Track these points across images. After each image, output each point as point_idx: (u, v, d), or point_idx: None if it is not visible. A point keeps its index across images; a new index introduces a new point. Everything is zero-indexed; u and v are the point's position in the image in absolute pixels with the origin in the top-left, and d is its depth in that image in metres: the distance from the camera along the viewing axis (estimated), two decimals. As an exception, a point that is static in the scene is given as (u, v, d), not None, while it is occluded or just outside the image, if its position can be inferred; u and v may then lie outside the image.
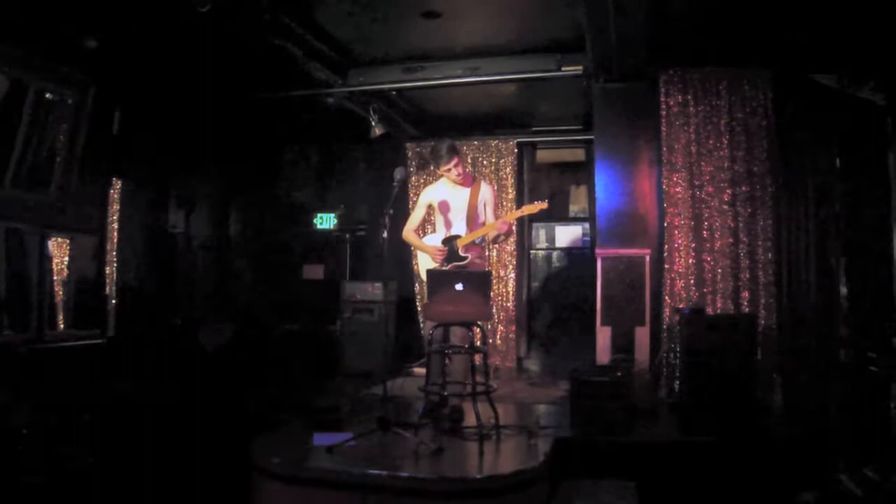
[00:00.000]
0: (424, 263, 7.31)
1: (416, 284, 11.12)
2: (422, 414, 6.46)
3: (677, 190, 8.19)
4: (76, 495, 5.76)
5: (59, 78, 7.17)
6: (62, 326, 7.77)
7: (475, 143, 11.40)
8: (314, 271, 12.03)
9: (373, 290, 10.30)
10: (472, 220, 7.16)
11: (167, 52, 7.89)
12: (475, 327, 6.46)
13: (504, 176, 11.27)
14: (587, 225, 12.10)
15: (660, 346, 8.12)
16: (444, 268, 7.07)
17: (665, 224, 8.23)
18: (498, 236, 7.21)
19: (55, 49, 6.97)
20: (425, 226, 8.48)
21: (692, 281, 8.11)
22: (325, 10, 7.64)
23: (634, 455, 6.16)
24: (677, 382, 7.88)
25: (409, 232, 7.42)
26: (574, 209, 12.93)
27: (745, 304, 7.99)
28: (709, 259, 8.10)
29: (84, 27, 7.14)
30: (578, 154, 12.04)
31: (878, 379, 6.61)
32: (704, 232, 8.12)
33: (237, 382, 8.25)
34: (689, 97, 8.23)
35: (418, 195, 7.79)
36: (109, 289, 8.47)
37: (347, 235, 11.42)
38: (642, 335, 7.98)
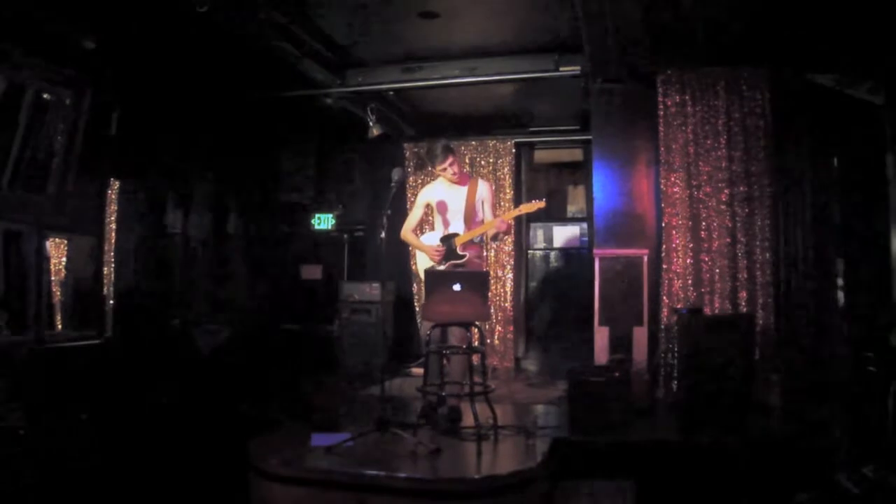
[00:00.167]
0: (423, 263, 7.30)
1: (415, 284, 11.12)
2: (420, 414, 6.47)
3: (675, 190, 8.20)
4: (74, 495, 5.75)
5: (57, 78, 7.16)
6: (60, 327, 7.77)
7: (473, 143, 11.39)
8: (312, 272, 12.02)
9: (371, 291, 10.30)
10: (470, 218, 7.15)
11: (165, 53, 7.89)
12: (473, 327, 6.46)
13: (502, 176, 11.26)
14: (585, 225, 12.10)
15: (658, 346, 8.12)
16: (442, 266, 7.07)
17: (663, 224, 8.23)
18: (497, 234, 7.20)
19: (53, 49, 6.97)
20: (423, 226, 8.48)
21: (690, 281, 8.12)
22: (324, 10, 7.65)
23: (632, 455, 6.15)
24: (675, 382, 7.88)
25: (407, 231, 7.42)
26: (572, 209, 12.95)
27: (743, 303, 7.99)
28: (706, 259, 8.11)
29: (82, 28, 7.14)
30: (576, 154, 12.06)
31: (877, 378, 6.61)
32: (702, 232, 8.13)
33: (235, 383, 8.26)
34: (687, 97, 8.24)
35: (416, 195, 7.78)
36: (107, 289, 8.46)
37: (345, 236, 11.42)
38: (640, 335, 7.98)
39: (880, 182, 7.58)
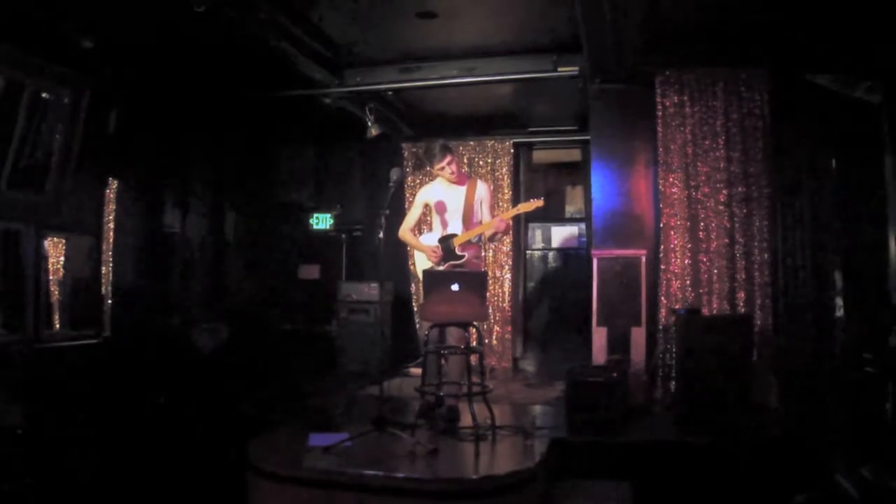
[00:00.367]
0: (421, 263, 7.31)
1: (413, 285, 11.12)
2: (418, 414, 6.48)
3: (673, 190, 8.20)
4: (73, 496, 5.75)
5: (56, 78, 7.16)
6: (58, 326, 7.77)
7: (471, 143, 11.39)
8: (310, 271, 12.02)
9: (369, 291, 10.30)
10: (469, 218, 7.16)
11: (164, 52, 7.90)
12: (471, 328, 6.47)
13: (500, 176, 11.26)
14: (583, 225, 12.08)
15: (656, 346, 8.12)
16: (440, 267, 7.08)
17: (661, 225, 8.23)
18: (495, 234, 7.20)
19: (51, 49, 6.97)
20: (421, 226, 8.49)
21: (688, 281, 8.12)
22: (322, 10, 7.64)
23: (630, 455, 6.17)
24: (673, 383, 7.88)
25: (405, 231, 7.42)
26: (570, 210, 12.94)
27: (741, 304, 7.99)
28: (705, 260, 8.11)
29: (80, 27, 7.14)
30: (574, 154, 12.05)
31: (874, 379, 6.62)
32: (700, 232, 8.13)
33: (233, 383, 8.26)
34: (686, 98, 8.24)
35: (414, 195, 7.78)
36: (105, 289, 8.46)
37: (343, 235, 11.41)
38: (638, 336, 7.98)
39: (878, 183, 7.58)
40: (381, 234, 6.54)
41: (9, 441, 5.89)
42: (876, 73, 7.46)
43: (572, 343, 10.43)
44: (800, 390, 7.43)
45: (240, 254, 11.76)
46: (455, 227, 7.17)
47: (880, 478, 5.28)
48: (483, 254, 10.63)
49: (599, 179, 8.63)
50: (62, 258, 7.83)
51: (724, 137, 8.10)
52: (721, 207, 8.07)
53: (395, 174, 7.02)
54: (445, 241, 7.13)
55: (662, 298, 8.17)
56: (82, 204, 8.05)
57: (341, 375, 9.76)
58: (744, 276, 8.01)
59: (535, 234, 12.59)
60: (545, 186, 12.96)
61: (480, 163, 11.33)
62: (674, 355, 7.86)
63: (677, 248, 8.15)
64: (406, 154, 11.65)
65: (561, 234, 12.59)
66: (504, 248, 11.08)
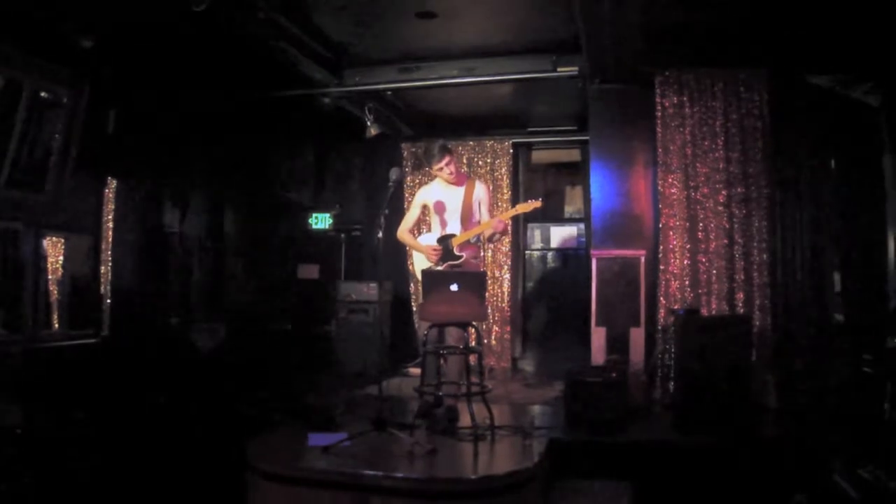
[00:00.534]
0: (419, 263, 7.31)
1: (412, 284, 11.12)
2: (417, 414, 6.48)
3: (672, 191, 8.20)
4: (71, 496, 5.75)
5: (54, 77, 7.15)
6: (57, 326, 7.76)
7: (471, 143, 11.40)
8: (309, 271, 12.01)
9: (368, 291, 10.29)
10: (467, 219, 7.15)
11: (163, 52, 7.89)
12: (470, 328, 6.46)
13: (499, 176, 11.26)
14: (582, 226, 12.11)
15: (654, 346, 8.12)
16: (438, 267, 7.07)
17: (660, 225, 8.24)
18: (493, 235, 7.20)
19: (50, 48, 6.97)
20: (420, 226, 8.48)
21: (687, 282, 8.12)
22: (321, 9, 7.64)
23: (629, 455, 6.17)
24: (672, 383, 7.88)
25: (403, 231, 7.42)
26: (569, 210, 12.96)
27: (740, 305, 7.99)
28: (704, 260, 8.11)
29: (79, 26, 7.14)
30: (574, 155, 12.06)
31: (873, 380, 6.62)
32: (699, 233, 8.13)
33: (232, 382, 8.26)
34: (685, 98, 8.24)
35: (413, 195, 7.79)
36: (104, 288, 8.46)
37: (342, 235, 11.41)
38: (637, 336, 7.98)
39: (877, 183, 7.59)
40: (380, 234, 6.54)
41: (7, 441, 5.89)
42: (875, 75, 7.47)
43: (571, 343, 10.45)
44: (799, 391, 7.44)
45: (239, 253, 11.76)
46: (454, 227, 7.17)
47: (879, 478, 5.28)
48: (481, 254, 10.64)
49: (599, 180, 8.63)
50: (61, 258, 7.83)
51: (723, 138, 8.11)
52: (720, 208, 8.07)
53: (394, 174, 7.03)
54: (444, 240, 7.13)
55: (661, 299, 8.17)
56: (81, 203, 8.04)
57: (340, 375, 9.76)
58: (743, 277, 8.01)
59: (535, 235, 12.62)
60: (544, 187, 12.98)
61: (480, 163, 11.34)
62: (672, 355, 7.86)
63: (676, 249, 8.16)
64: (405, 154, 11.66)
65: (560, 234, 12.61)
66: (503, 248, 11.08)
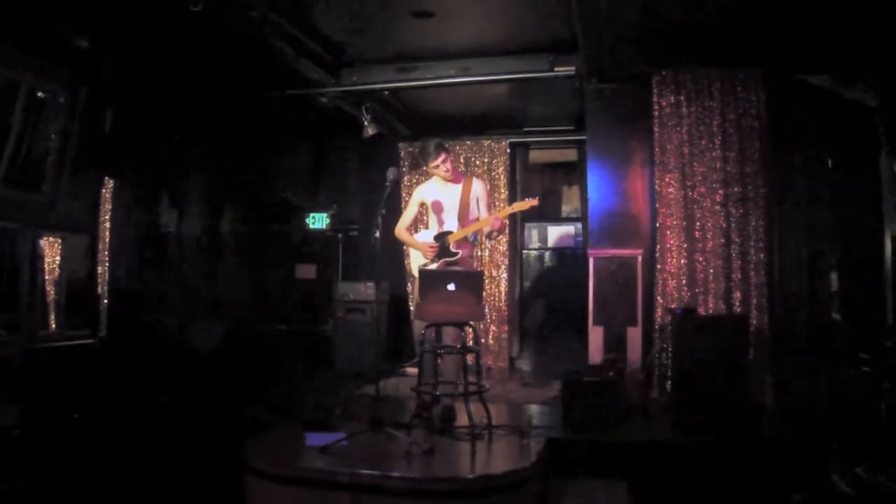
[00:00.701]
0: (416, 261, 7.30)
1: (409, 284, 11.12)
2: (414, 414, 6.47)
3: (669, 190, 8.21)
4: (69, 496, 5.75)
5: (51, 77, 7.15)
6: (54, 326, 7.75)
7: (468, 142, 11.40)
8: (307, 271, 12.02)
9: (365, 290, 10.29)
10: (464, 216, 7.14)
11: (160, 52, 7.88)
12: (467, 327, 6.46)
13: (496, 176, 11.27)
14: (579, 225, 12.12)
15: (652, 346, 8.13)
16: (435, 264, 7.07)
17: (657, 224, 8.25)
18: (491, 232, 7.19)
19: (47, 48, 6.96)
20: (418, 225, 8.49)
21: (684, 281, 8.13)
22: (318, 9, 7.63)
23: (626, 455, 6.17)
24: (669, 382, 7.90)
25: (401, 229, 7.42)
26: (566, 209, 12.97)
27: (737, 304, 8.00)
28: (701, 259, 8.12)
29: (76, 26, 7.13)
30: (571, 154, 12.07)
31: (870, 379, 6.63)
32: (696, 232, 8.14)
33: (230, 382, 8.25)
34: (682, 98, 8.25)
35: (411, 195, 7.79)
36: (101, 288, 8.44)
37: (340, 235, 11.42)
38: (634, 335, 8.00)
39: (874, 183, 7.60)
40: (377, 234, 6.53)
41: (5, 441, 5.88)
42: (872, 74, 7.47)
43: (569, 342, 10.45)
44: (796, 390, 7.44)
45: (236, 253, 11.74)
46: (451, 225, 7.16)
47: (876, 477, 5.29)
48: (478, 252, 10.67)
49: (596, 179, 8.65)
50: (58, 258, 7.81)
51: (720, 137, 8.12)
52: (717, 207, 8.09)
53: (391, 174, 7.02)
54: (441, 237, 7.13)
55: (658, 298, 8.18)
56: (78, 203, 8.02)
57: (337, 375, 9.76)
58: (740, 276, 8.03)
59: (532, 234, 12.62)
60: (541, 186, 12.99)
61: (477, 162, 11.34)
62: (670, 355, 7.88)
63: (673, 248, 8.17)
64: (402, 154, 11.66)
65: (557, 233, 12.63)
66: (500, 247, 11.09)
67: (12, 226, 7.20)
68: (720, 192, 8.08)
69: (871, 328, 7.23)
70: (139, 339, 8.52)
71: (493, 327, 11.09)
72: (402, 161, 11.59)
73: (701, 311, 7.93)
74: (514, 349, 11.51)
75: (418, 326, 6.78)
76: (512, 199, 11.09)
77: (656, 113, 8.28)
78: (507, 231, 10.08)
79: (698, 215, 8.15)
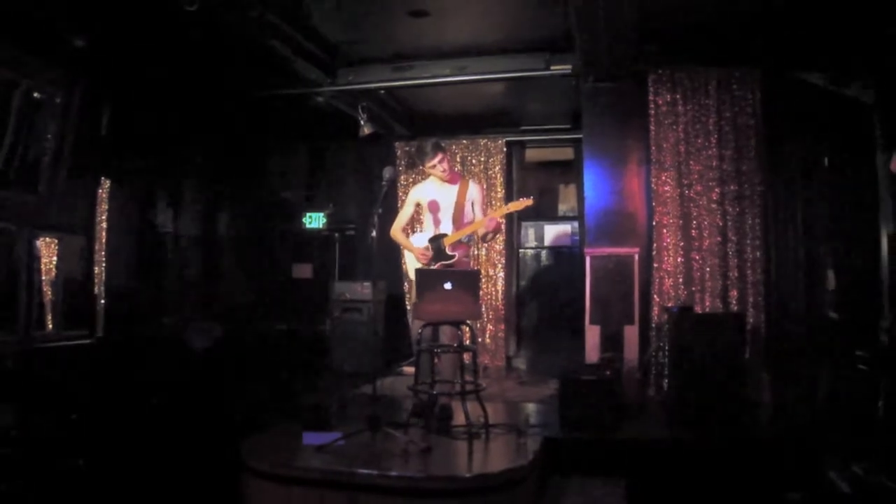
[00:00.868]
0: (412, 262, 7.30)
1: (406, 283, 11.11)
2: (411, 413, 6.47)
3: (666, 189, 8.22)
4: (65, 496, 5.74)
5: (48, 77, 7.14)
6: (51, 327, 7.74)
7: (464, 141, 11.40)
8: (303, 270, 12.01)
9: (362, 290, 10.30)
10: (459, 218, 7.14)
11: (156, 52, 7.87)
12: (464, 326, 6.46)
13: (493, 175, 11.27)
14: (576, 224, 12.11)
15: (648, 344, 8.13)
16: (430, 267, 7.08)
17: (654, 223, 8.25)
18: (486, 234, 7.20)
19: (43, 48, 6.95)
20: (414, 224, 8.49)
21: (681, 279, 8.14)
22: (315, 9, 7.63)
23: (623, 453, 6.18)
24: (666, 381, 7.90)
25: (396, 230, 7.41)
26: (563, 208, 12.95)
27: (734, 302, 8.01)
28: (697, 258, 8.13)
29: (72, 26, 7.12)
30: (567, 153, 12.06)
31: (867, 377, 6.64)
32: (693, 230, 8.15)
33: (226, 382, 8.25)
34: (678, 96, 8.25)
35: (407, 194, 7.79)
36: (98, 289, 8.44)
37: (336, 235, 11.42)
38: (631, 334, 7.99)
39: (870, 180, 7.60)
40: (373, 233, 6.53)
41: (2, 442, 5.88)
42: (868, 72, 7.48)
43: (565, 341, 10.43)
44: (792, 388, 7.45)
45: (233, 253, 11.75)
46: (446, 226, 7.16)
47: (873, 475, 5.30)
48: (475, 252, 10.68)
49: (592, 178, 8.63)
50: (54, 258, 7.80)
51: (716, 136, 8.13)
52: (713, 205, 8.09)
53: (387, 173, 7.02)
54: (436, 240, 7.13)
55: (655, 296, 8.19)
56: (75, 204, 8.02)
57: (334, 374, 9.76)
58: (736, 274, 8.03)
59: (528, 233, 12.61)
60: (538, 185, 12.97)
61: (473, 161, 11.34)
62: (667, 353, 7.87)
63: (670, 247, 8.17)
64: (399, 153, 11.65)
65: (554, 232, 12.61)
66: (497, 246, 11.09)
67: (9, 226, 7.19)
68: (716, 190, 8.09)
69: (868, 326, 7.23)
70: (136, 339, 8.52)
71: (489, 326, 11.09)
72: (398, 160, 11.58)
73: (698, 309, 7.94)
74: (510, 348, 11.52)
75: (415, 326, 6.78)
76: (508, 197, 11.09)
77: (652, 111, 8.28)
78: (503, 230, 10.09)
79: (695, 213, 8.15)
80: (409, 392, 6.61)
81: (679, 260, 8.15)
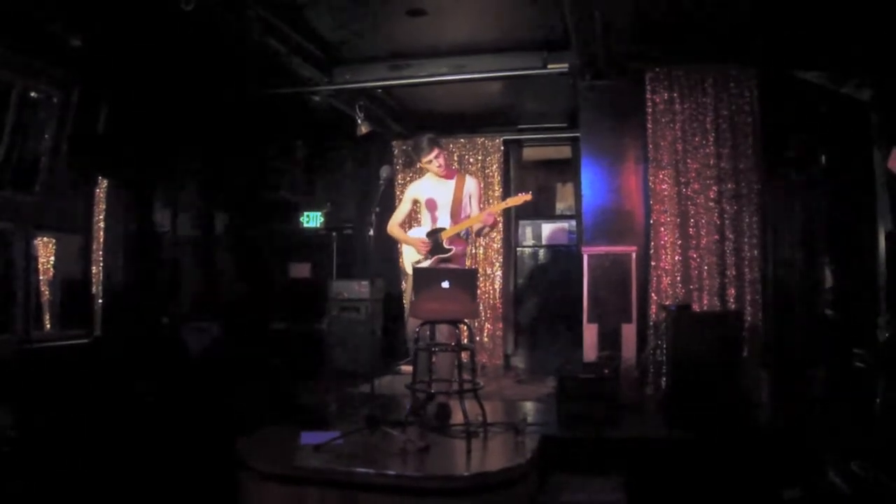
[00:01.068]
0: (409, 258, 7.32)
1: (403, 282, 11.11)
2: (409, 412, 6.46)
3: (663, 187, 8.22)
4: (63, 496, 5.74)
5: (44, 77, 7.14)
6: (48, 326, 7.74)
7: (462, 140, 11.41)
8: (301, 270, 12.01)
9: (359, 289, 10.29)
10: (456, 213, 7.17)
11: (153, 51, 7.86)
12: (462, 325, 6.46)
13: (490, 173, 11.28)
14: (573, 222, 12.10)
15: (646, 342, 8.14)
16: (428, 260, 7.09)
17: (651, 221, 8.25)
18: (482, 229, 7.21)
19: (40, 48, 6.94)
20: (411, 222, 8.49)
21: (678, 278, 8.14)
22: (312, 7, 7.62)
23: (621, 451, 6.17)
24: (664, 379, 7.90)
25: (393, 226, 7.43)
26: (560, 206, 12.95)
27: (732, 300, 8.01)
28: (695, 256, 8.13)
29: (69, 25, 7.11)
30: (565, 151, 12.06)
31: (864, 374, 6.64)
32: (690, 229, 8.15)
33: (224, 381, 8.24)
34: (675, 94, 8.25)
35: (404, 192, 7.80)
36: (96, 288, 8.43)
37: (334, 234, 11.41)
38: (629, 332, 7.99)
39: (868, 178, 7.61)
40: (371, 232, 6.55)
41: (0, 442, 5.88)
42: (865, 70, 7.48)
43: (563, 339, 10.45)
44: (790, 386, 7.46)
45: (230, 252, 11.73)
46: (444, 222, 7.18)
47: (871, 473, 5.30)
48: (472, 249, 10.68)
49: (589, 176, 8.64)
50: (52, 258, 7.80)
51: (713, 134, 8.13)
52: (711, 204, 8.09)
53: (385, 172, 7.03)
54: (434, 234, 7.14)
55: (653, 295, 8.19)
56: (72, 203, 8.01)
57: (332, 373, 9.75)
58: (734, 273, 8.03)
59: (526, 231, 12.60)
60: (535, 183, 12.95)
61: (471, 160, 11.35)
62: (664, 351, 7.88)
63: (667, 245, 8.17)
64: (396, 152, 11.66)
65: (551, 230, 12.60)
66: (495, 245, 11.11)
67: (6, 226, 7.18)
68: (714, 188, 8.09)
69: (865, 324, 7.23)
70: (134, 338, 8.51)
71: (487, 325, 11.11)
72: (395, 159, 11.59)
73: (695, 307, 7.94)
74: (508, 346, 11.53)
75: (412, 324, 6.78)
76: (506, 196, 11.08)
77: (650, 109, 8.28)
78: (500, 228, 10.09)
79: (692, 212, 8.15)
80: (406, 391, 6.60)
81: (677, 258, 8.15)
